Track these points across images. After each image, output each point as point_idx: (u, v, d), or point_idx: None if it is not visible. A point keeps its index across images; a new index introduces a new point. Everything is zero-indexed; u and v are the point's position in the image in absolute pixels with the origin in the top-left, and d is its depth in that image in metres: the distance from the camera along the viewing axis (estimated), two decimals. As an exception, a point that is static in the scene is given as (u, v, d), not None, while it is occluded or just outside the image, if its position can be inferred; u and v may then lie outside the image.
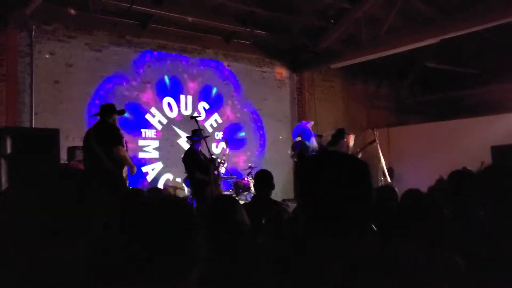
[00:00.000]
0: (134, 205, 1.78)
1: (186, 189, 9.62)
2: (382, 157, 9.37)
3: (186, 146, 10.59)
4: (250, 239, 2.42)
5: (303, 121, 9.36)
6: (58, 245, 1.63)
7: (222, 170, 9.03)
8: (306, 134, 8.78)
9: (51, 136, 4.78)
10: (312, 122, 9.49)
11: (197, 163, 8.09)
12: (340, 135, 8.37)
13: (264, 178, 5.17)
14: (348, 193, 1.44)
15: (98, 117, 6.40)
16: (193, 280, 1.42)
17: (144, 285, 1.38)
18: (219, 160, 8.74)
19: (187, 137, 8.77)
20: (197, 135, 8.20)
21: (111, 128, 6.21)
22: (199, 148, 8.33)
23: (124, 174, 6.59)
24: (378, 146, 9.37)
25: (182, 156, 8.51)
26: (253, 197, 5.69)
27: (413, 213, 2.44)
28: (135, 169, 6.74)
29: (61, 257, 1.62)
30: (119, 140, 6.21)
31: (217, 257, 2.11)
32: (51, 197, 1.61)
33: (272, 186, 5.14)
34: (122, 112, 6.76)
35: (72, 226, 1.67)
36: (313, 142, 8.67)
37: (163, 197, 1.45)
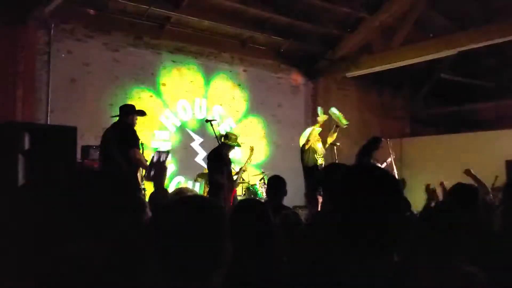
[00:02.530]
0: (161, 205, 1.78)
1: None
2: (395, 168, 9.32)
3: (199, 149, 10.61)
4: (277, 241, 2.41)
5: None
6: (73, 241, 1.63)
7: (239, 177, 8.96)
8: None
9: (69, 134, 4.80)
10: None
11: (222, 166, 7.87)
12: (372, 145, 8.30)
13: (277, 184, 5.16)
14: (378, 208, 1.43)
15: (117, 117, 6.40)
16: (217, 282, 1.42)
17: (168, 285, 1.38)
18: (240, 167, 8.70)
19: (220, 136, 8.32)
20: (232, 142, 8.01)
21: (128, 130, 6.21)
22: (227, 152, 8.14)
23: (139, 177, 6.58)
24: (392, 157, 9.32)
25: (209, 153, 8.18)
26: (265, 203, 5.66)
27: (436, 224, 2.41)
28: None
29: (77, 253, 1.62)
30: (135, 143, 6.20)
31: (243, 259, 2.09)
32: (67, 194, 1.61)
33: (284, 193, 5.13)
34: (142, 113, 6.74)
35: (87, 223, 1.67)
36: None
37: (191, 197, 1.44)
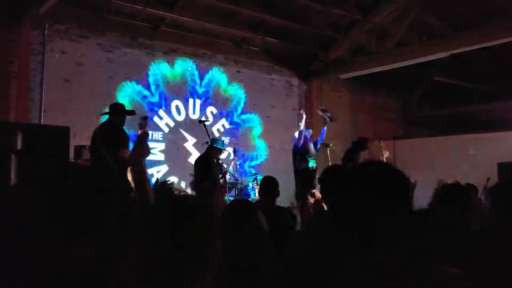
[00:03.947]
0: (154, 204, 1.79)
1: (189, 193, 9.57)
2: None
3: (192, 149, 10.61)
4: (269, 243, 2.43)
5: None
6: (65, 241, 1.64)
7: (227, 177, 8.94)
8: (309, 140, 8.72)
9: (62, 134, 4.80)
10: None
11: (210, 172, 7.77)
12: (359, 145, 8.38)
13: (270, 185, 5.18)
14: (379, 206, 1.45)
15: (107, 117, 6.36)
16: (207, 283, 1.43)
17: (158, 285, 1.39)
18: (226, 168, 8.67)
19: (207, 142, 8.06)
20: (219, 145, 7.93)
21: (117, 130, 6.14)
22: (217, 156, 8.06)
23: (130, 177, 6.55)
24: (385, 155, 9.39)
25: (197, 160, 8.09)
26: (257, 203, 5.66)
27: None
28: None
29: (69, 254, 1.63)
30: (124, 142, 6.14)
31: (234, 261, 2.11)
32: (59, 195, 1.62)
33: (277, 193, 5.15)
34: (131, 112, 6.68)
35: (80, 224, 1.68)
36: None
37: (184, 197, 1.45)
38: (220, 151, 8.01)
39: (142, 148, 2.61)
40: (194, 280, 1.39)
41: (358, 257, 1.43)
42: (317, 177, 7.99)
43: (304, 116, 8.56)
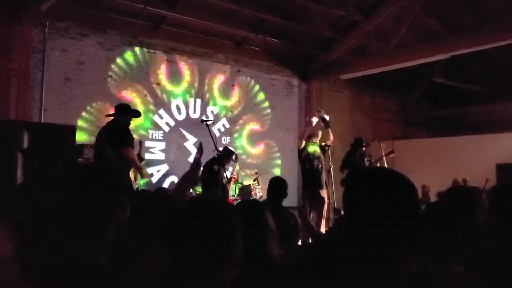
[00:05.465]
0: (177, 203, 1.80)
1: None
2: (387, 169, 9.37)
3: (192, 149, 10.61)
4: (277, 245, 2.43)
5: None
6: (72, 240, 1.64)
7: (231, 190, 8.87)
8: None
9: (67, 133, 4.79)
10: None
11: (217, 178, 7.81)
12: (357, 145, 8.43)
13: (278, 186, 5.20)
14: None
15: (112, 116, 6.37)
16: (228, 281, 1.44)
17: (179, 283, 1.40)
18: (230, 176, 8.66)
19: (218, 150, 7.75)
20: (228, 155, 8.10)
21: (122, 129, 6.17)
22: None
23: (132, 176, 6.55)
24: (385, 158, 9.41)
25: (204, 166, 7.94)
26: (264, 203, 5.65)
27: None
28: (145, 172, 6.67)
29: (76, 253, 1.63)
30: (128, 142, 6.16)
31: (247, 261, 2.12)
32: (65, 193, 1.62)
33: (285, 195, 5.18)
34: (137, 113, 6.71)
35: (86, 222, 1.68)
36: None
37: (203, 197, 1.46)
38: (229, 161, 8.12)
39: (192, 175, 2.55)
40: (217, 276, 1.40)
41: (378, 266, 1.42)
42: (323, 177, 7.93)
43: (314, 121, 8.56)
